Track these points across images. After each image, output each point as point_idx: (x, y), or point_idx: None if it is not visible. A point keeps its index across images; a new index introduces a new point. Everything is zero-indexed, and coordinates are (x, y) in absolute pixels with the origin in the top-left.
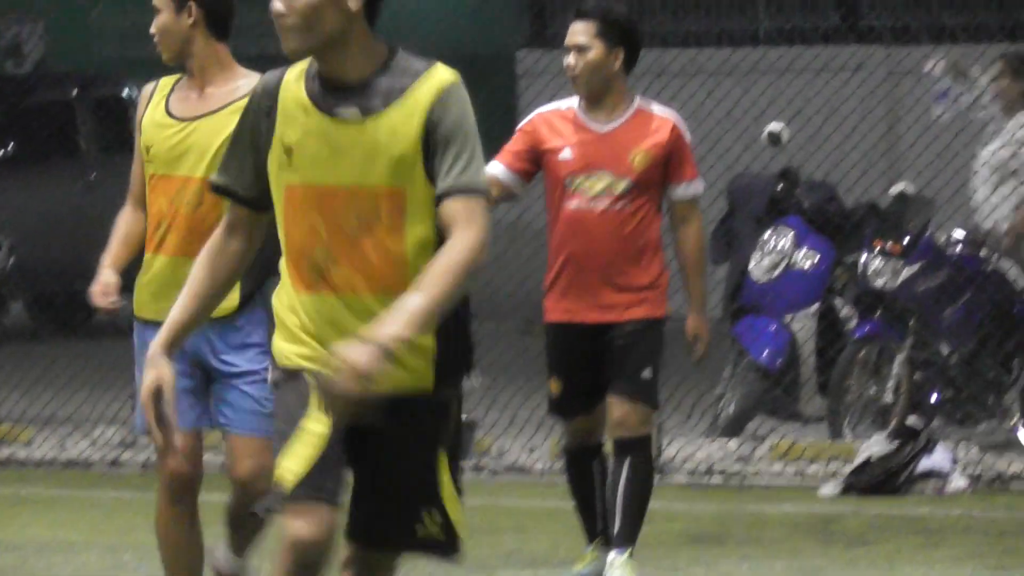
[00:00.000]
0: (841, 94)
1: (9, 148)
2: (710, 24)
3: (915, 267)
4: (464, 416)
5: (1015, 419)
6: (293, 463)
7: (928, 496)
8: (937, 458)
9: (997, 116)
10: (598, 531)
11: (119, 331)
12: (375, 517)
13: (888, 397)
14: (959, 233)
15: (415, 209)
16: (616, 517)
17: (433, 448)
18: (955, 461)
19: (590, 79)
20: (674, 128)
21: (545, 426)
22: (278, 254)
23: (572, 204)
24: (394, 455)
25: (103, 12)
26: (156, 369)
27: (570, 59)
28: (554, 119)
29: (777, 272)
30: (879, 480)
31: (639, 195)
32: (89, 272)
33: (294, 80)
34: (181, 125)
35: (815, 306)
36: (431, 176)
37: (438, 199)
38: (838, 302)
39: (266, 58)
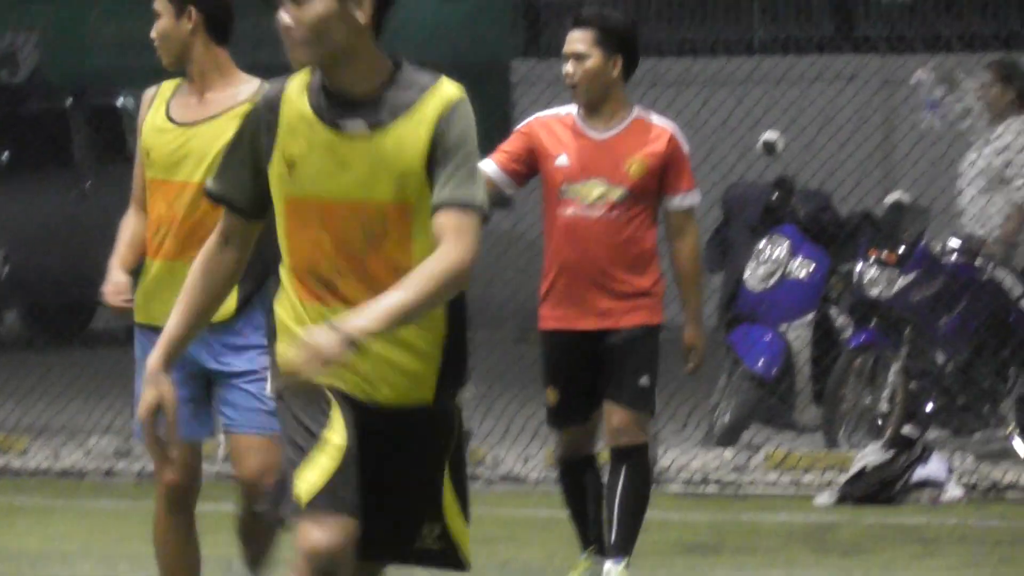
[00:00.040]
0: (836, 103)
1: (3, 157)
2: (705, 33)
3: (910, 276)
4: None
5: (1011, 428)
6: (313, 474)
7: (924, 505)
8: (932, 467)
9: (985, 124)
10: (592, 539)
11: (114, 340)
12: (374, 530)
13: (883, 406)
14: (954, 242)
15: (421, 222)
16: (613, 526)
17: (438, 462)
18: (951, 470)
19: (589, 87)
20: (672, 138)
21: (540, 435)
22: (276, 257)
23: (568, 211)
24: (399, 469)
25: (97, 22)
26: (156, 388)
27: (569, 67)
28: (553, 124)
29: (772, 281)
30: (874, 489)
31: (635, 204)
32: (83, 281)
33: (296, 93)
34: (181, 130)
35: (810, 315)
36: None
37: (433, 210)
38: (833, 311)
39: (258, 67)
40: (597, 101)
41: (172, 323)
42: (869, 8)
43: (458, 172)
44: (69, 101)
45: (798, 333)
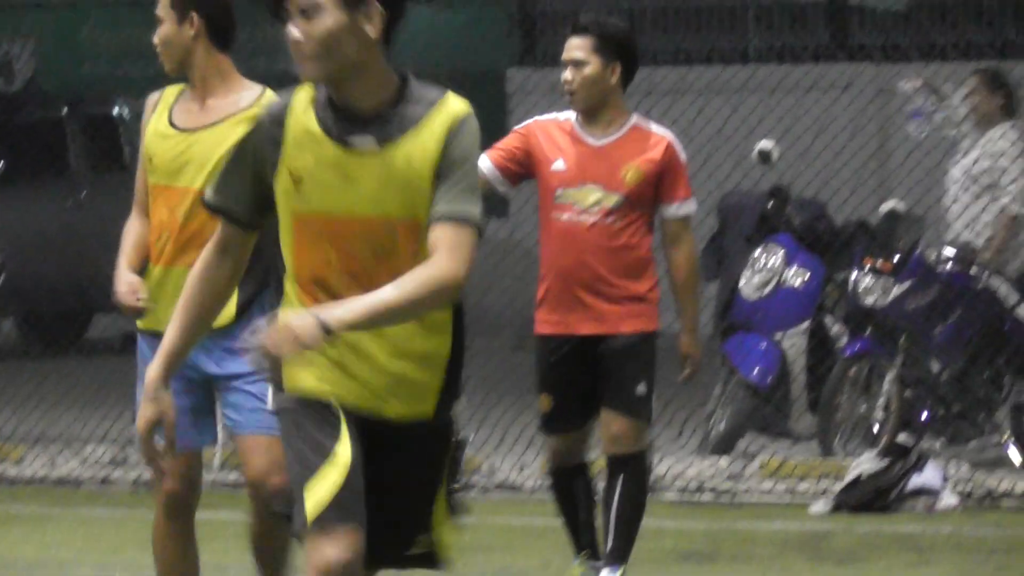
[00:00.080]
0: (831, 112)
1: None
2: (700, 42)
3: (905, 285)
4: (454, 436)
5: (1006, 436)
6: (322, 488)
7: (919, 513)
8: (928, 475)
9: (971, 131)
10: (584, 544)
11: (109, 349)
12: (373, 538)
13: (878, 414)
14: (949, 251)
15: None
16: (609, 534)
17: (436, 476)
18: (946, 478)
19: (587, 94)
20: (669, 146)
21: (536, 443)
22: (275, 262)
23: (563, 216)
24: (399, 479)
25: (93, 30)
26: (156, 404)
27: (567, 74)
28: (551, 128)
29: (767, 290)
30: (870, 497)
31: (630, 211)
32: (79, 289)
33: (302, 108)
34: (183, 136)
35: (805, 324)
36: None
37: (429, 222)
38: (828, 320)
39: (255, 76)
40: (595, 108)
41: (170, 335)
42: (864, 17)
43: (458, 186)
44: (65, 110)
45: (793, 342)
